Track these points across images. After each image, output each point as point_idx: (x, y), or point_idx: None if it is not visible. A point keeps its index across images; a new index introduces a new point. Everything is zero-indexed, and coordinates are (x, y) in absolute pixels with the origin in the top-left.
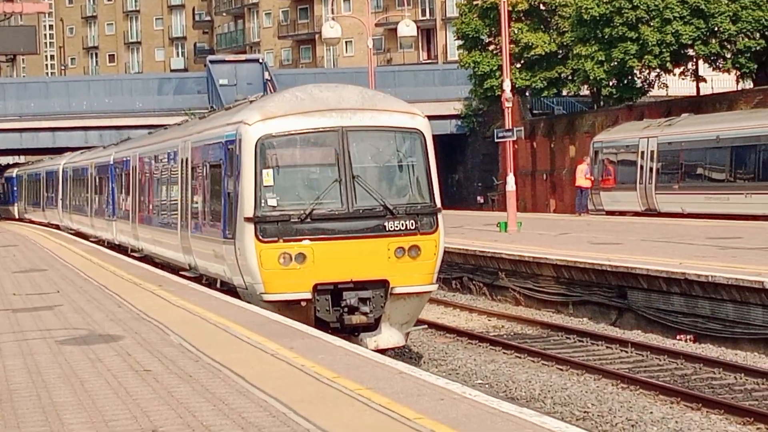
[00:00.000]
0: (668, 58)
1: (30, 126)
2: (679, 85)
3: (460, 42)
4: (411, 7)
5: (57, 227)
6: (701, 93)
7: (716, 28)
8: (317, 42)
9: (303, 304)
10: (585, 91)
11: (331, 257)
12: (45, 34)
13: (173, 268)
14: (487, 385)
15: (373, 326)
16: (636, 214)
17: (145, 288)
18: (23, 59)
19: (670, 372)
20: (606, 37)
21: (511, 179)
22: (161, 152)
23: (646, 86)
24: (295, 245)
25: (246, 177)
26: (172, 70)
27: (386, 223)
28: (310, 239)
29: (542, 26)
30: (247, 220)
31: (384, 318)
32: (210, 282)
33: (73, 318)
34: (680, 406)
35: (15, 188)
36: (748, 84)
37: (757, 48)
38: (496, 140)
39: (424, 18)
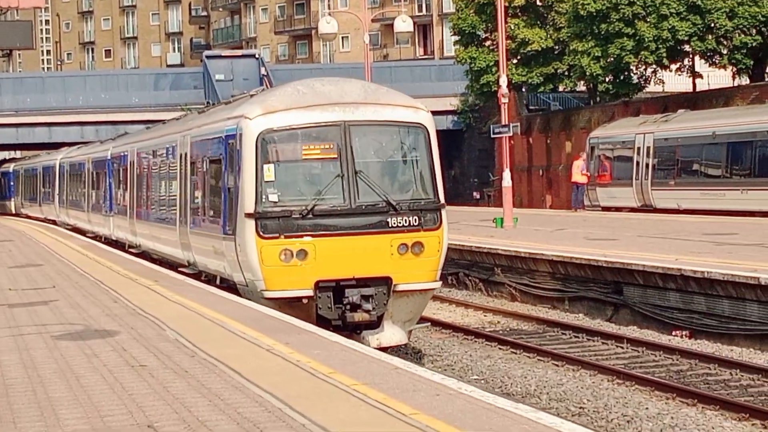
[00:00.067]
0: (665, 54)
1: (26, 121)
2: (675, 81)
3: (457, 38)
4: (407, 3)
5: (54, 223)
6: (697, 89)
7: (713, 24)
8: (314, 37)
9: (304, 301)
10: (581, 86)
11: (333, 254)
12: (41, 29)
13: (171, 265)
14: (482, 381)
15: (375, 324)
16: (632, 210)
17: (141, 283)
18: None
19: (665, 368)
20: (602, 32)
21: (507, 175)
22: (160, 147)
23: (643, 82)
24: (296, 241)
25: (247, 172)
26: (168, 66)
27: (389, 220)
28: (312, 235)
29: (539, 22)
30: (248, 215)
31: (387, 316)
32: (209, 278)
33: (68, 313)
34: (676, 402)
35: (11, 183)
36: (745, 80)
37: (754, 44)
38: (492, 136)
39: (421, 13)
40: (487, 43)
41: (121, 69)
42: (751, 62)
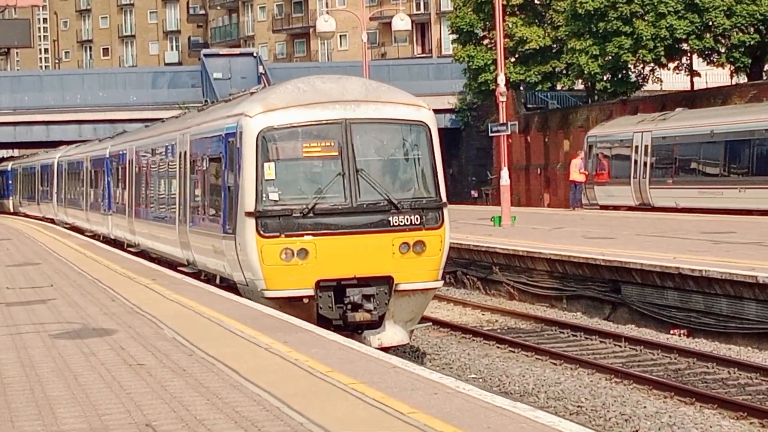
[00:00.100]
0: (662, 53)
1: (24, 119)
2: (673, 80)
3: (455, 36)
4: (405, 1)
5: (52, 221)
6: (695, 87)
7: (711, 23)
8: (311, 36)
9: (305, 301)
10: (579, 85)
11: (334, 253)
12: (39, 28)
13: (171, 264)
14: (480, 380)
15: (376, 324)
16: (630, 208)
17: (138, 282)
18: (17, 53)
19: (663, 366)
20: (600, 31)
21: (505, 173)
22: (159, 145)
23: (641, 81)
24: (297, 240)
25: (247, 170)
26: (166, 64)
27: (391, 218)
28: (313, 234)
29: (537, 20)
30: (248, 214)
31: (388, 315)
32: (209, 278)
33: (66, 312)
34: (674, 401)
35: (10, 182)
36: (743, 78)
37: (752, 42)
38: (490, 134)
39: (419, 12)
40: (485, 41)
41: (119, 67)
42: (749, 61)
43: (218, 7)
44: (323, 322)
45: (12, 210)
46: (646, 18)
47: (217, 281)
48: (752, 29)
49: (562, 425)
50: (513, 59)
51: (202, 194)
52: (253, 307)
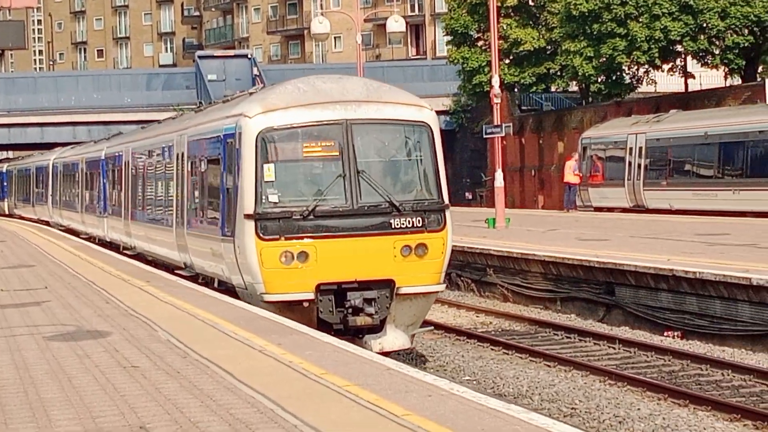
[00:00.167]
0: (657, 54)
1: (18, 121)
2: (667, 82)
3: (449, 38)
4: (400, 3)
5: (47, 224)
6: (690, 89)
7: (705, 24)
8: (306, 37)
9: (305, 304)
10: (573, 87)
11: (334, 256)
12: (33, 29)
13: (168, 267)
14: (474, 382)
15: (378, 328)
16: (624, 210)
17: (133, 284)
18: (11, 54)
19: (657, 368)
20: (594, 33)
21: (499, 175)
22: (155, 147)
23: (635, 82)
24: (297, 243)
25: (246, 172)
26: (160, 66)
27: (392, 221)
28: (313, 237)
29: (531, 22)
30: (247, 216)
31: (389, 319)
32: (206, 281)
33: (60, 314)
34: (668, 403)
35: (4, 184)
36: (737, 80)
37: (746, 44)
38: (484, 136)
39: (413, 13)
40: (480, 43)
41: (113, 69)
42: (743, 62)
43: (213, 9)
44: (323, 326)
45: (7, 212)
46: (640, 20)
47: (215, 285)
48: (746, 31)
49: (556, 427)
50: (507, 61)
51: (200, 196)
52: (247, 309)
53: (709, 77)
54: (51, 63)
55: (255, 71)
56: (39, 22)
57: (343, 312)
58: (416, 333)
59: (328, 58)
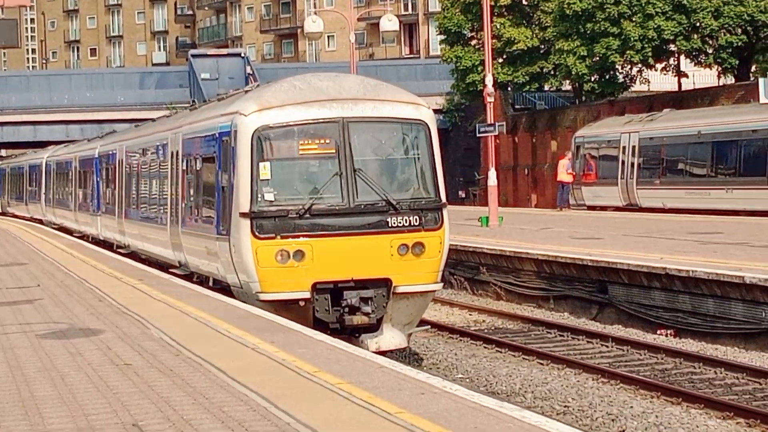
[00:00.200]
0: (650, 54)
1: (10, 120)
2: (660, 81)
3: (443, 37)
4: (393, 2)
5: (40, 222)
6: (683, 88)
7: (698, 24)
8: (299, 36)
9: (301, 304)
10: (567, 86)
11: (331, 255)
12: (26, 28)
13: (162, 266)
14: (467, 380)
15: (374, 327)
16: (617, 209)
17: (126, 282)
18: (4, 53)
19: (650, 366)
20: (588, 32)
21: (492, 174)
22: (150, 145)
23: (628, 81)
24: (293, 242)
25: (242, 170)
26: (153, 64)
27: (389, 219)
28: (309, 236)
29: (524, 21)
30: (243, 215)
31: (386, 318)
32: (201, 280)
33: (53, 312)
34: (660, 401)
35: None
36: (730, 79)
37: (739, 43)
38: (478, 135)
39: (407, 12)
40: (473, 42)
41: (106, 68)
42: (737, 62)
43: (206, 8)
44: (320, 325)
45: (0, 210)
46: (633, 19)
47: (210, 283)
48: (739, 30)
49: (549, 425)
50: (501, 60)
51: (195, 194)
52: (240, 307)
53: (702, 76)
54: (44, 62)
55: (248, 70)
56: (32, 20)
57: (339, 311)
58: (413, 332)
59: (322, 57)
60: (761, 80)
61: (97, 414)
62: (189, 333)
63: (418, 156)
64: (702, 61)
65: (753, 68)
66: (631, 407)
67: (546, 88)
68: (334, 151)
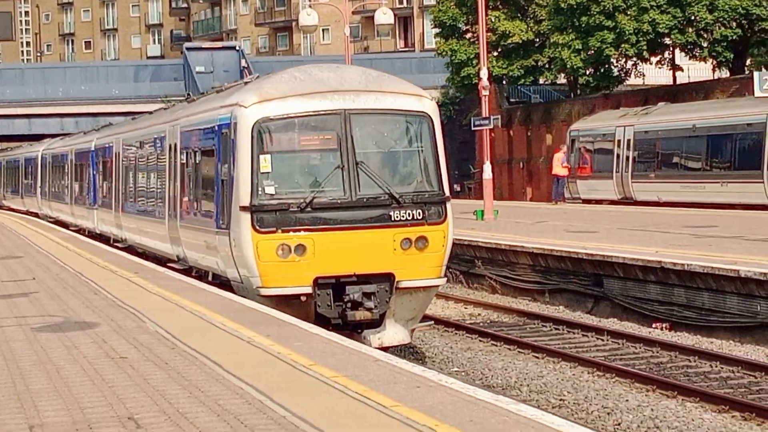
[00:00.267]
0: (645, 47)
1: (5, 113)
2: (655, 74)
3: (438, 30)
4: None
5: (36, 215)
6: (678, 82)
7: (693, 17)
8: (294, 29)
9: (303, 299)
10: (562, 79)
11: (332, 249)
12: (21, 21)
13: (160, 260)
14: (463, 373)
15: (377, 322)
16: (612, 202)
17: (121, 275)
18: None
19: (645, 360)
20: (583, 25)
21: (487, 167)
22: (147, 138)
23: (623, 75)
24: (294, 236)
25: (242, 163)
26: (148, 57)
27: (392, 213)
28: (311, 230)
29: (519, 14)
30: (243, 209)
31: (389, 314)
32: (200, 274)
33: (48, 305)
34: (656, 394)
35: None
36: (725, 73)
37: (734, 37)
38: (473, 128)
39: (402, 6)
40: (468, 35)
41: (101, 61)
42: (731, 55)
43: (200, 1)
44: (321, 321)
45: None
46: (628, 12)
47: (210, 278)
48: (734, 24)
49: (545, 418)
50: (496, 53)
51: (193, 188)
52: (236, 301)
53: (697, 70)
54: (38, 54)
55: (243, 63)
56: (26, 13)
57: (341, 306)
58: (416, 328)
59: (317, 50)
60: (756, 74)
61: (93, 407)
62: (184, 326)
63: (421, 148)
64: (697, 54)
65: (748, 62)
66: (627, 401)
67: (541, 81)
68: (335, 143)
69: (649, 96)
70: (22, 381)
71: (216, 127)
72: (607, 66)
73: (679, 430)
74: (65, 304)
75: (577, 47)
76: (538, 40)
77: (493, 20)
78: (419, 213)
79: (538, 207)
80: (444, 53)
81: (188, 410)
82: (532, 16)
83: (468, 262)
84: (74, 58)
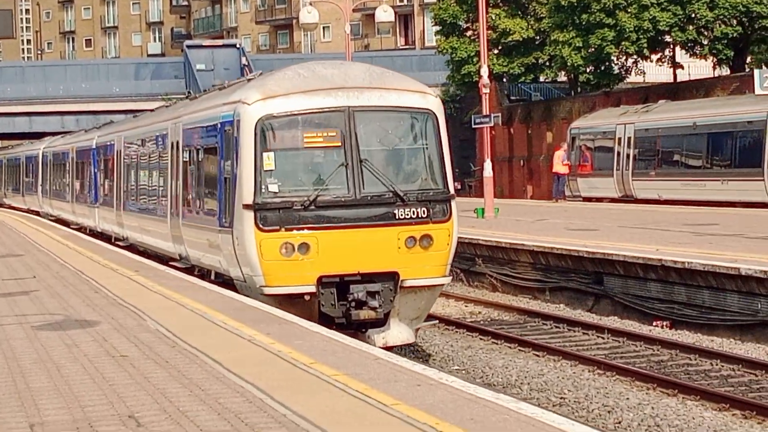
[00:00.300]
0: (645, 45)
1: (6, 111)
2: (656, 72)
3: (438, 28)
4: None
5: (37, 213)
6: (678, 80)
7: (693, 15)
8: (295, 27)
9: (306, 298)
10: (562, 77)
11: (336, 247)
12: (21, 18)
13: (161, 258)
14: (463, 371)
15: (381, 322)
16: (613, 200)
17: (122, 273)
18: None
19: (646, 358)
20: (583, 23)
21: (488, 165)
22: (149, 135)
23: (624, 72)
24: (297, 234)
25: (245, 161)
26: (149, 55)
27: (396, 211)
28: (315, 228)
29: (520, 12)
30: (246, 207)
31: (393, 313)
32: (203, 273)
33: (49, 303)
34: (656, 392)
35: None
36: (725, 71)
37: (734, 35)
38: (473, 126)
39: (402, 3)
40: (469, 33)
41: (101, 59)
42: (732, 53)
43: None
44: (325, 320)
45: None
46: (629, 10)
47: (212, 277)
48: (735, 21)
49: (545, 417)
50: (496, 51)
51: (196, 186)
52: (236, 299)
53: (697, 68)
54: (39, 52)
55: (243, 61)
56: (27, 11)
57: (345, 305)
58: (420, 327)
59: (317, 47)
60: (756, 71)
61: (93, 405)
62: (185, 324)
63: (426, 146)
64: (697, 52)
65: (748, 59)
66: (627, 399)
67: (541, 79)
68: (339, 141)
69: (649, 94)
70: (22, 379)
71: (219, 125)
72: (607, 64)
73: (679, 428)
74: (66, 302)
75: (577, 45)
76: (538, 37)
77: (493, 18)
78: (424, 211)
79: (539, 205)
80: (444, 51)
81: (189, 409)
82: (532, 13)
83: (468, 260)
84: (75, 56)
